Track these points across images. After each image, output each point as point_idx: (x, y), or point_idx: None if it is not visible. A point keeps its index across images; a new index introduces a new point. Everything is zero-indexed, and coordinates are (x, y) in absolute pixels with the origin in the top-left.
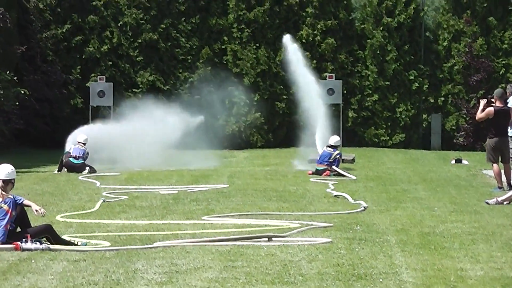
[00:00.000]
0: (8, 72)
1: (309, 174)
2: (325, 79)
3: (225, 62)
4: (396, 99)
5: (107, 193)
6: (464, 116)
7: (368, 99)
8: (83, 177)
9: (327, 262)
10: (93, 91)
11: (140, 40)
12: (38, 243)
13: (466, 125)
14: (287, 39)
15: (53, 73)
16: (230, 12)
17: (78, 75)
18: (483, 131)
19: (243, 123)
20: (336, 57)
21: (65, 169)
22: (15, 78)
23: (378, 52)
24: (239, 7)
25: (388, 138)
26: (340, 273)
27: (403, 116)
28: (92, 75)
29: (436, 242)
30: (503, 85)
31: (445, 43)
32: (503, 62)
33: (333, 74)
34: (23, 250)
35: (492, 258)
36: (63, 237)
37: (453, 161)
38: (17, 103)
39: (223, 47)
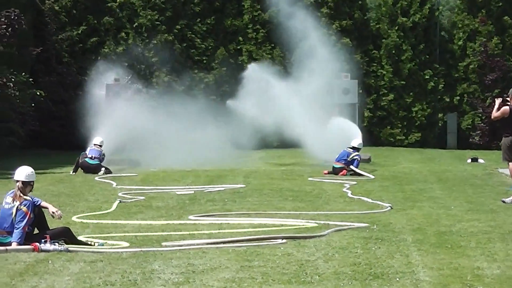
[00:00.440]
0: (23, 73)
1: (325, 173)
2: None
3: (240, 62)
4: (411, 99)
5: (123, 194)
6: (480, 115)
7: (383, 98)
8: (99, 177)
9: (344, 261)
10: None
11: (155, 41)
12: (56, 244)
13: (482, 124)
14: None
15: (68, 75)
16: (245, 12)
17: (93, 77)
18: (499, 130)
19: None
20: (351, 57)
21: (81, 170)
22: (30, 79)
23: (394, 51)
24: (254, 8)
25: (404, 137)
26: (356, 273)
27: (419, 116)
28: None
29: (453, 241)
30: None
31: (460, 43)
32: None
33: (348, 74)
34: (41, 251)
35: (508, 257)
36: (79, 238)
37: (469, 160)
38: (33, 105)
39: (238, 47)
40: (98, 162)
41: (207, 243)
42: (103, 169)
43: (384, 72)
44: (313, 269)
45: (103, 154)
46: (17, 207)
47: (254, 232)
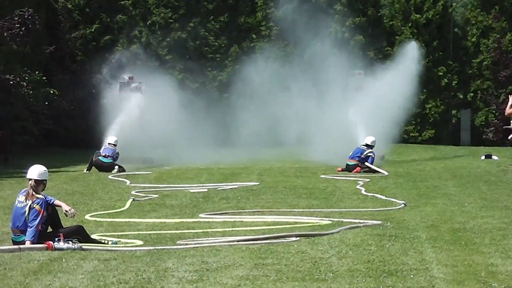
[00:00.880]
0: (37, 72)
1: (339, 171)
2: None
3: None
4: (425, 96)
5: (136, 192)
6: (494, 111)
7: None
8: (113, 176)
9: (358, 258)
10: None
11: (168, 39)
12: (70, 242)
13: (496, 120)
14: None
15: (82, 73)
16: (258, 10)
17: (107, 75)
18: None
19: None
20: (365, 54)
21: (95, 169)
22: (44, 78)
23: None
24: (268, 5)
25: (417, 134)
26: (370, 270)
27: (432, 112)
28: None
29: (467, 237)
30: None
31: (473, 39)
32: None
33: (362, 71)
34: (55, 249)
35: None
36: (93, 236)
37: (483, 157)
38: (46, 103)
39: (251, 45)
40: (111, 161)
41: (221, 241)
42: (116, 167)
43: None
44: (327, 267)
45: (117, 153)
46: (30, 205)
47: (268, 229)
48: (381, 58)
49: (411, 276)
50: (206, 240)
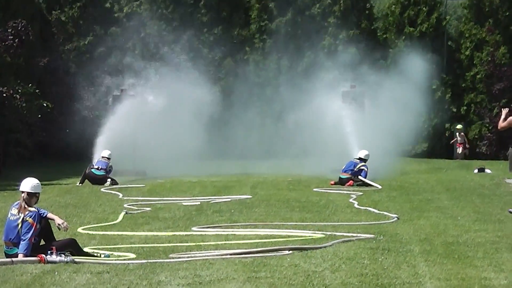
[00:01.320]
0: (30, 84)
1: (332, 184)
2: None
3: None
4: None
5: (128, 205)
6: (487, 125)
7: None
8: (105, 189)
9: (351, 272)
10: None
11: (162, 52)
12: (63, 255)
13: (489, 134)
14: None
15: (75, 85)
16: (252, 22)
17: (100, 87)
18: (506, 140)
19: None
20: (358, 67)
21: (88, 181)
22: (37, 90)
23: (401, 61)
24: (261, 18)
25: (411, 147)
26: (363, 283)
27: (426, 126)
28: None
29: (460, 251)
30: None
31: (467, 52)
32: None
33: (355, 84)
34: (48, 262)
35: None
36: (85, 249)
37: (476, 170)
38: (40, 116)
39: (245, 57)
40: (104, 173)
41: (214, 255)
42: (109, 180)
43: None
44: (320, 280)
45: (110, 166)
46: (23, 218)
47: (261, 243)
48: (375, 71)
49: None
50: (199, 253)
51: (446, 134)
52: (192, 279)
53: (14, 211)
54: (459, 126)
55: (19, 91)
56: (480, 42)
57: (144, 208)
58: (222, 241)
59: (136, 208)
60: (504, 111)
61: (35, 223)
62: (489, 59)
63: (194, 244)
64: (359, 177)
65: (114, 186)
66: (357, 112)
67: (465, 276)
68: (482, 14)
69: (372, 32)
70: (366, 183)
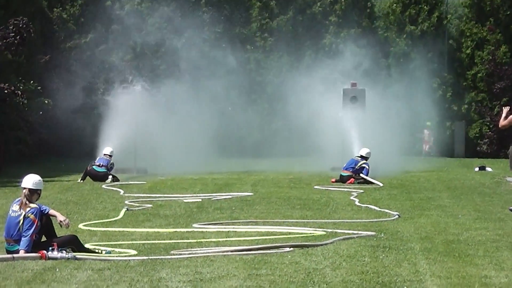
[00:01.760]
0: (32, 82)
1: (332, 182)
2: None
3: (248, 70)
4: (419, 107)
5: (129, 202)
6: (488, 123)
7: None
8: (107, 185)
9: (352, 270)
10: None
11: (163, 49)
12: (64, 252)
13: (490, 132)
14: None
15: (76, 83)
16: (253, 21)
17: (101, 84)
18: (506, 139)
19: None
20: (359, 65)
21: (89, 178)
22: (38, 88)
23: (402, 60)
24: (263, 16)
25: (411, 145)
26: (364, 281)
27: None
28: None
29: (460, 249)
30: None
31: (468, 51)
32: None
33: (356, 82)
34: (49, 258)
35: None
36: (86, 245)
37: (477, 169)
38: (41, 113)
39: (246, 55)
40: (105, 170)
41: (215, 252)
42: (110, 177)
43: (392, 81)
44: (321, 278)
45: (112, 163)
46: (25, 215)
47: (262, 240)
48: (376, 69)
49: (405, 287)
50: (200, 250)
51: (447, 133)
52: (193, 276)
53: (15, 207)
54: (428, 123)
55: (20, 88)
56: (481, 41)
57: (145, 205)
58: (223, 238)
59: (137, 205)
60: (505, 110)
61: (36, 220)
62: (490, 58)
63: (195, 241)
64: (361, 174)
65: (115, 183)
66: (357, 110)
67: (466, 274)
68: (483, 13)
69: (373, 30)
70: (368, 180)
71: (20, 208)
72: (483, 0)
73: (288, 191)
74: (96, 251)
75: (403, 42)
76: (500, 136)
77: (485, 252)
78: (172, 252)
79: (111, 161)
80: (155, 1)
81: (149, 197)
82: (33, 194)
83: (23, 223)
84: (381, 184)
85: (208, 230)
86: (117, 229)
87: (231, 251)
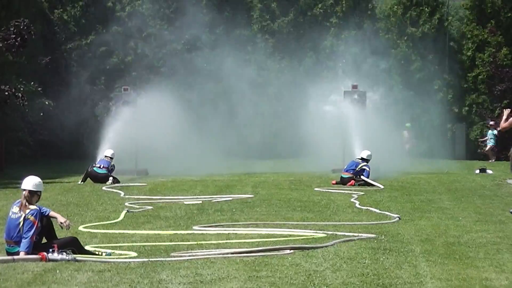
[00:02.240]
0: (32, 83)
1: (333, 183)
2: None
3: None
4: (420, 109)
5: (130, 203)
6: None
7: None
8: (107, 187)
9: (352, 272)
10: None
11: (164, 51)
12: (64, 253)
13: None
14: None
15: (77, 84)
16: (254, 22)
17: (102, 86)
18: (507, 141)
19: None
20: (360, 67)
21: (90, 180)
22: (39, 89)
23: (403, 62)
24: (263, 18)
25: (412, 147)
26: (365, 283)
27: (428, 126)
28: (117, 85)
29: (461, 251)
30: None
31: (469, 53)
32: None
33: (357, 84)
34: (49, 260)
35: None
36: (87, 247)
37: (478, 171)
38: (42, 114)
39: (247, 57)
40: (106, 172)
41: (215, 254)
42: (111, 178)
43: (393, 82)
44: (321, 280)
45: (113, 165)
46: (25, 216)
47: (262, 242)
48: (377, 71)
49: None
50: (200, 252)
51: (448, 135)
52: (193, 278)
53: (15, 209)
54: (407, 125)
55: (21, 89)
56: (482, 43)
57: (146, 207)
58: (224, 240)
59: (138, 206)
60: (506, 112)
61: (36, 221)
62: (491, 60)
63: (195, 243)
64: (362, 177)
65: (116, 185)
66: (358, 112)
67: (466, 276)
68: (484, 15)
69: (374, 32)
70: (369, 183)
71: (20, 210)
72: (484, 2)
73: (288, 193)
74: (97, 253)
75: (404, 44)
76: (501, 138)
77: (486, 254)
78: (172, 254)
79: (112, 163)
80: (155, 2)
81: (150, 199)
82: (33, 195)
83: (23, 224)
84: (382, 187)
85: (208, 232)
86: (117, 231)
87: (232, 253)
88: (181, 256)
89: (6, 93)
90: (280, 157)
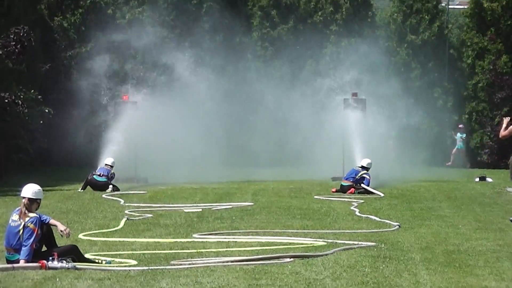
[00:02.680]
0: (32, 90)
1: (333, 191)
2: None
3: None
4: (420, 117)
5: (130, 211)
6: (488, 133)
7: None
8: (107, 195)
9: (352, 280)
10: None
11: (164, 58)
12: (64, 261)
13: (491, 142)
14: None
15: (77, 92)
16: (254, 30)
17: (102, 93)
18: (507, 149)
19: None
20: (360, 75)
21: (90, 188)
22: (39, 96)
23: (402, 69)
24: (263, 25)
25: (412, 155)
26: None
27: (427, 134)
28: (117, 93)
29: (461, 260)
30: None
31: (469, 61)
32: None
33: (357, 92)
34: (49, 268)
35: None
36: (86, 255)
37: (477, 179)
38: (42, 122)
39: (247, 65)
40: (106, 180)
41: (215, 262)
42: (110, 186)
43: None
44: None
45: (113, 173)
46: (24, 224)
47: (262, 250)
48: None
49: None
50: (200, 260)
51: (448, 143)
52: (193, 286)
53: (15, 217)
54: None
55: (21, 97)
56: (482, 51)
57: (146, 215)
58: (223, 248)
59: (138, 214)
60: (506, 120)
61: (36, 229)
62: (491, 67)
63: (195, 251)
64: (362, 185)
65: (116, 193)
66: (358, 120)
67: (466, 284)
68: (484, 23)
69: (374, 40)
70: (369, 191)
71: (19, 217)
72: (484, 10)
73: (288, 201)
74: (96, 261)
75: (404, 51)
76: (501, 146)
77: (486, 262)
78: (172, 262)
79: (112, 171)
80: (156, 10)
81: (150, 206)
82: (32, 203)
83: (23, 232)
84: (382, 195)
85: (208, 240)
86: (117, 239)
87: (232, 261)
88: (181, 264)
89: (6, 100)
90: (280, 165)
